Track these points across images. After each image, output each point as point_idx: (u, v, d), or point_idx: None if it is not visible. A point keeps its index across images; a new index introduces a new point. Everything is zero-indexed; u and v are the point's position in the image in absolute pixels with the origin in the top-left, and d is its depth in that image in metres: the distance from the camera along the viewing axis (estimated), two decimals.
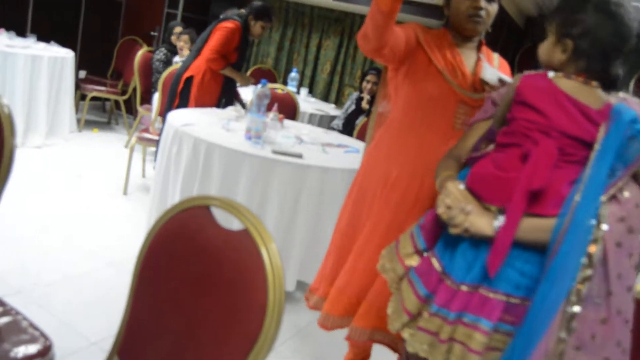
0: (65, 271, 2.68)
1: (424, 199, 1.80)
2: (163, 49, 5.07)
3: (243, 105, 4.01)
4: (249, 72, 4.97)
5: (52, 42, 5.10)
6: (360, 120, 4.26)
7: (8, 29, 4.87)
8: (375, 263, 1.78)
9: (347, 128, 4.40)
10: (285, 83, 5.56)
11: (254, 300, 1.00)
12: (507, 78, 1.71)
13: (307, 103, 5.10)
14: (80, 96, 5.58)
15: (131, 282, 1.22)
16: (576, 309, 1.14)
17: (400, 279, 1.43)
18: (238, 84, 3.95)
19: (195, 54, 3.76)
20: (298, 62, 6.03)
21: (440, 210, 1.27)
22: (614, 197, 1.18)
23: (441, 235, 1.38)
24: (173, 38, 5.06)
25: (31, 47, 4.58)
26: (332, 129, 4.37)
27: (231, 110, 3.44)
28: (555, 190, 1.20)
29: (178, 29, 5.06)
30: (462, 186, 1.30)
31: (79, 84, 5.45)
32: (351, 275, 1.88)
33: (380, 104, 2.11)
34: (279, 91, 4.33)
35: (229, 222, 1.13)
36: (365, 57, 5.58)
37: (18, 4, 5.42)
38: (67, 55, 4.79)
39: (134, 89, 5.31)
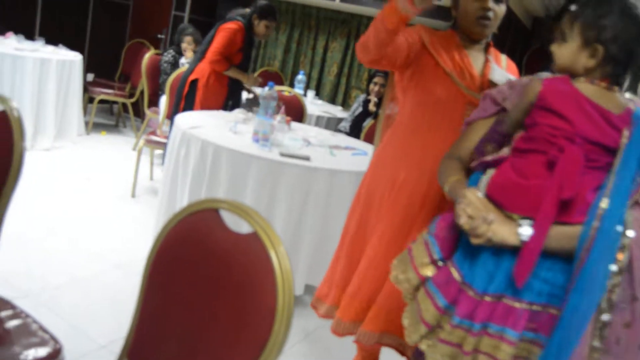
0: (73, 274, 2.69)
1: (432, 201, 1.79)
2: (171, 50, 5.09)
3: (255, 99, 3.96)
4: (256, 74, 4.94)
5: (61, 45, 5.13)
6: (368, 123, 4.25)
7: (17, 32, 4.90)
8: (385, 267, 1.77)
9: (354, 130, 4.39)
10: (292, 85, 5.56)
11: (263, 303, 1.00)
12: (516, 79, 1.70)
13: (314, 105, 5.10)
14: (88, 99, 5.60)
15: (140, 285, 1.22)
16: (606, 317, 1.13)
17: (415, 289, 1.40)
18: (245, 84, 3.94)
19: (200, 56, 3.76)
20: (305, 64, 6.03)
21: (463, 220, 1.24)
22: (636, 203, 1.18)
23: (458, 243, 1.35)
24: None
25: (40, 51, 4.61)
26: (339, 131, 4.37)
27: (238, 113, 3.44)
28: (581, 197, 1.19)
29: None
30: (480, 194, 1.28)
31: (86, 86, 5.48)
32: (362, 280, 1.87)
33: (388, 106, 2.11)
34: (286, 93, 4.34)
35: (237, 225, 1.13)
36: None
37: (26, 8, 5.46)
38: (75, 59, 4.81)
39: (142, 92, 5.33)
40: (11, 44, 4.55)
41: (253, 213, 1.08)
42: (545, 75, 1.34)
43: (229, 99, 3.89)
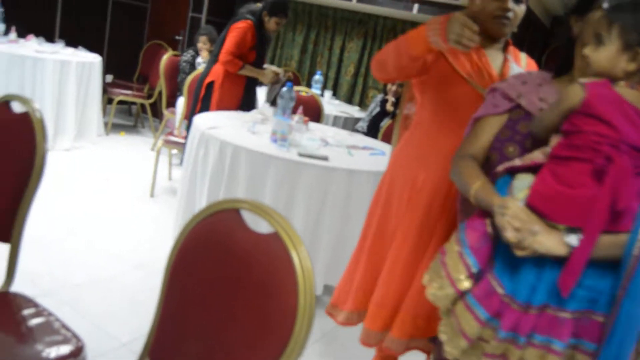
0: (94, 273, 2.72)
1: (453, 202, 1.77)
2: (191, 51, 5.12)
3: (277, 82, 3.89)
4: (274, 68, 4.85)
5: (80, 47, 5.20)
6: (385, 123, 4.24)
7: (37, 34, 4.97)
8: (409, 273, 1.76)
9: (372, 130, 4.38)
10: (309, 86, 5.56)
11: (284, 304, 0.99)
12: (525, 73, 1.67)
13: (331, 105, 5.09)
14: (107, 100, 5.66)
15: (161, 285, 1.22)
16: None
17: (453, 303, 1.35)
18: (260, 83, 3.89)
19: (215, 58, 3.74)
20: (322, 64, 6.03)
21: (510, 234, 1.18)
22: None
23: (495, 254, 1.29)
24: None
25: (60, 53, 4.67)
26: (357, 131, 4.36)
27: (257, 113, 3.45)
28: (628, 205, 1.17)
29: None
30: (521, 203, 1.23)
31: (106, 88, 5.53)
32: (387, 288, 1.84)
33: (406, 106, 2.09)
34: (303, 94, 4.34)
35: (257, 225, 1.13)
36: None
37: (47, 11, 5.53)
38: (94, 60, 4.87)
39: (160, 93, 5.37)
40: (32, 46, 4.62)
41: (274, 213, 1.08)
42: (584, 80, 1.27)
43: (245, 100, 3.87)
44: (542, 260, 1.20)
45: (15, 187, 1.54)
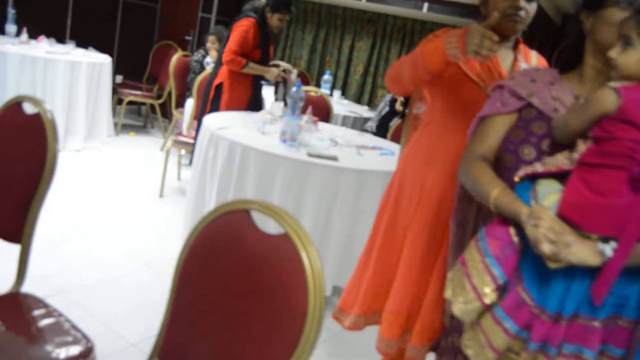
0: (103, 273, 2.73)
1: None
2: (202, 50, 5.13)
3: (284, 81, 3.82)
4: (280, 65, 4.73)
5: (90, 48, 5.23)
6: (394, 122, 4.22)
7: (48, 35, 5.01)
8: (424, 278, 1.75)
9: (381, 130, 4.37)
10: (318, 85, 5.56)
11: (295, 304, 0.99)
12: (531, 69, 1.65)
13: (340, 105, 5.08)
14: (117, 100, 5.68)
15: (171, 286, 1.22)
16: None
17: (479, 316, 1.30)
18: (265, 82, 3.85)
19: (221, 58, 3.72)
20: (331, 64, 6.02)
21: (546, 248, 1.12)
22: None
23: (520, 264, 1.25)
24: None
25: (70, 53, 4.70)
26: (366, 131, 4.35)
27: (266, 113, 3.44)
28: None
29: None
30: (552, 213, 1.18)
31: (115, 88, 5.56)
32: (404, 294, 1.83)
33: (415, 105, 2.08)
34: (312, 93, 4.33)
35: (267, 225, 1.13)
36: (398, 58, 5.54)
37: (58, 12, 5.57)
38: (104, 61, 4.89)
39: (169, 93, 5.38)
40: (43, 47, 4.65)
41: (284, 214, 1.07)
42: (615, 83, 1.20)
43: (252, 100, 3.85)
44: (571, 270, 1.16)
45: (27, 188, 1.54)
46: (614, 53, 1.21)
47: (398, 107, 4.35)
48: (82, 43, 5.27)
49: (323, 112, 4.16)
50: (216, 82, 3.71)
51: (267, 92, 4.21)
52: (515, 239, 1.23)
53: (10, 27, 4.85)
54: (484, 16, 1.81)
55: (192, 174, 3.14)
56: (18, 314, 1.44)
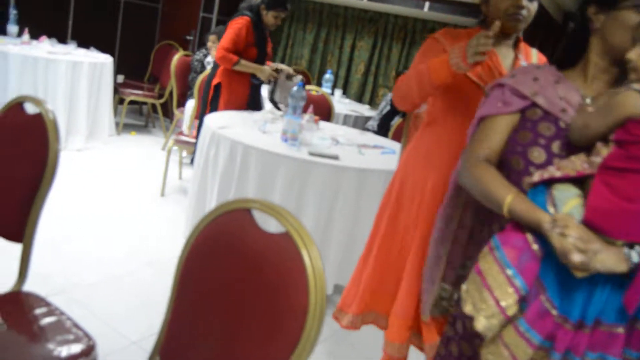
0: (105, 272, 2.73)
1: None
2: (204, 49, 5.14)
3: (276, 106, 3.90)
4: (274, 65, 4.64)
5: (92, 48, 5.23)
6: (396, 121, 4.22)
7: (50, 36, 5.01)
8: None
9: (382, 129, 4.37)
10: (319, 84, 5.56)
11: (295, 303, 0.99)
12: (528, 66, 1.65)
13: (341, 104, 5.09)
14: (118, 100, 5.69)
15: (172, 284, 1.22)
16: None
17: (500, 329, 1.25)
18: (257, 80, 3.81)
19: None
20: (332, 63, 6.02)
21: (577, 258, 1.08)
22: None
23: (540, 272, 1.20)
24: None
25: (72, 54, 4.71)
26: (367, 130, 4.35)
27: (267, 112, 3.44)
28: None
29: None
30: (577, 220, 1.14)
31: (117, 88, 5.56)
32: (410, 298, 1.84)
33: None
34: (314, 93, 4.33)
35: (268, 224, 1.13)
36: (399, 58, 5.54)
37: (59, 12, 5.58)
38: (106, 61, 4.89)
39: (171, 93, 5.39)
40: (44, 47, 4.66)
41: (285, 213, 1.07)
42: (637, 86, 1.17)
43: (251, 100, 3.83)
44: (593, 277, 1.13)
45: (28, 187, 1.55)
46: (633, 55, 1.18)
47: None
48: (83, 43, 5.27)
49: (324, 111, 4.16)
50: (215, 81, 3.70)
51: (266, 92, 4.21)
52: (535, 246, 1.18)
53: (12, 28, 4.86)
54: (485, 15, 1.82)
55: (194, 173, 3.15)
56: (20, 313, 1.44)
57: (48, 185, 1.55)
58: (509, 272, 1.19)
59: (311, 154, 2.61)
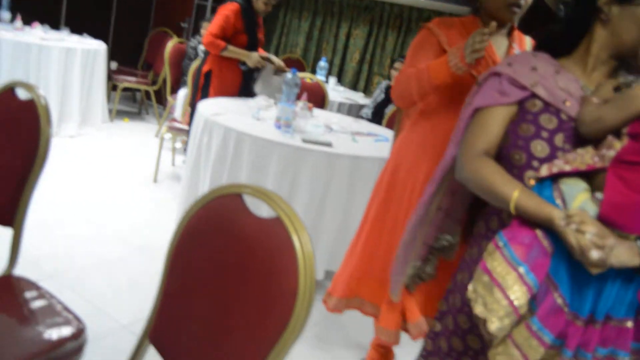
0: (96, 256, 2.74)
1: None
2: (198, 37, 5.11)
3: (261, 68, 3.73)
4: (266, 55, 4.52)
5: (85, 35, 5.19)
6: (390, 109, 4.22)
7: (43, 22, 4.97)
8: None
9: (376, 117, 4.36)
10: (314, 72, 5.54)
11: (285, 286, 1.00)
12: (523, 55, 1.64)
13: (335, 92, 5.07)
14: (111, 87, 5.66)
15: (163, 268, 1.23)
16: None
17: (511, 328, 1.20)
18: (244, 66, 3.74)
19: None
20: (327, 51, 6.00)
21: (595, 255, 1.05)
22: None
23: (550, 269, 1.17)
24: None
25: (65, 40, 4.67)
26: (361, 117, 4.35)
27: (261, 100, 3.43)
28: None
29: None
30: (591, 215, 1.12)
31: (110, 75, 5.53)
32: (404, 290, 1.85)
33: None
34: (308, 80, 4.32)
35: (259, 210, 1.13)
36: (394, 46, 5.52)
37: None
38: (99, 48, 4.86)
39: (164, 80, 5.37)
40: (37, 33, 4.62)
41: (276, 198, 1.08)
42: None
43: (243, 87, 3.78)
44: (603, 272, 1.11)
45: (20, 172, 1.54)
46: None
47: None
48: (76, 29, 5.23)
49: (318, 99, 4.16)
50: (205, 69, 3.67)
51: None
52: (545, 242, 1.15)
53: (5, 14, 4.81)
54: (480, 3, 1.81)
55: (187, 159, 3.14)
56: (10, 297, 1.44)
57: (39, 171, 1.54)
58: (521, 269, 1.15)
59: (305, 141, 2.61)
